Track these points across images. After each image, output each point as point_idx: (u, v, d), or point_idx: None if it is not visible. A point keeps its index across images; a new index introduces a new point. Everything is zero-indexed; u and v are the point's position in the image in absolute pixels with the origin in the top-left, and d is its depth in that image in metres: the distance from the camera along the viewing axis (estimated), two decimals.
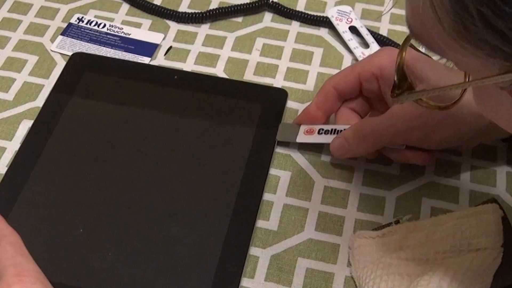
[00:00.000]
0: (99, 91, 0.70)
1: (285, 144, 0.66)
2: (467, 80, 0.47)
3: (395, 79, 0.49)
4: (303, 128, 0.66)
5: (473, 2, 0.33)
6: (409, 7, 0.39)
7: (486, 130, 0.60)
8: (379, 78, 0.62)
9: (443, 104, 0.51)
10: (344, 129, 0.63)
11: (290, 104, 0.70)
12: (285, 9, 0.79)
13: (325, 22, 0.78)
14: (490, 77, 0.36)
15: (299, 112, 0.69)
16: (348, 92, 0.65)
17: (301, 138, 0.65)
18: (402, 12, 0.49)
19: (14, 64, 0.74)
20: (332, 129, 0.64)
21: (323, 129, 0.65)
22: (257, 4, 0.79)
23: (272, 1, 0.79)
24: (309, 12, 0.79)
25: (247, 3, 0.79)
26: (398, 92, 0.49)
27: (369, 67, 0.63)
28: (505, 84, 0.36)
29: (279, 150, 0.66)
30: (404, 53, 0.50)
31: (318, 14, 0.79)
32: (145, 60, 0.75)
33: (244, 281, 0.57)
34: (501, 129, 0.43)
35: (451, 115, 0.57)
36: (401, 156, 0.63)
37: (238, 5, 0.79)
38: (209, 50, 0.76)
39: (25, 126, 0.68)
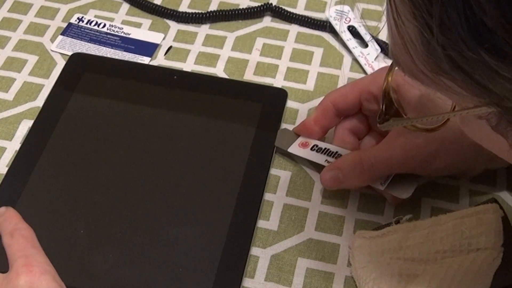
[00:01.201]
0: (99, 91, 0.70)
1: (283, 150, 0.66)
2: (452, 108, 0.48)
3: (382, 106, 0.51)
4: (299, 139, 0.66)
5: (440, 46, 0.34)
6: (390, 40, 0.40)
7: (485, 158, 0.60)
8: (379, 99, 0.62)
9: (430, 126, 0.52)
10: (337, 152, 0.63)
11: (290, 104, 0.70)
12: (286, 13, 0.79)
13: (325, 26, 0.78)
14: (467, 109, 0.38)
15: (299, 113, 0.70)
16: (347, 110, 0.64)
17: (294, 149, 0.65)
18: None
19: (14, 64, 0.74)
20: (325, 149, 0.64)
21: (317, 146, 0.65)
22: (260, 8, 0.78)
23: (276, 6, 0.79)
24: (309, 15, 0.78)
25: (249, 7, 0.79)
26: (385, 118, 0.50)
27: (371, 87, 0.62)
28: (482, 114, 0.38)
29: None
30: (390, 79, 0.51)
31: (318, 16, 0.79)
32: (145, 60, 0.75)
33: (244, 281, 0.57)
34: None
35: (448, 144, 0.57)
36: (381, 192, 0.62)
37: (240, 9, 0.78)
38: (209, 50, 0.76)
39: (25, 126, 0.68)
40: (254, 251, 0.59)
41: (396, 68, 0.43)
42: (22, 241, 0.49)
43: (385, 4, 0.38)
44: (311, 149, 0.65)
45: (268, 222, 0.61)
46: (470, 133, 0.44)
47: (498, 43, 0.32)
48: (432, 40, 0.34)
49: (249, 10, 0.79)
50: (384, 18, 0.39)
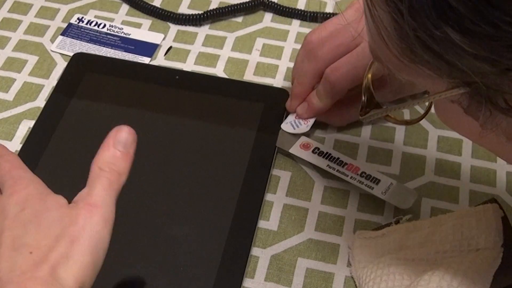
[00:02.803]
0: (100, 91, 0.71)
1: (284, 150, 0.66)
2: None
3: (364, 99, 0.53)
4: (300, 140, 0.66)
5: (411, 29, 0.36)
6: (368, 33, 0.42)
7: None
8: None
9: (410, 119, 0.56)
10: (339, 158, 0.64)
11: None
12: (282, 8, 0.79)
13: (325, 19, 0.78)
14: (440, 93, 0.40)
15: None
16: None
17: (295, 150, 0.65)
18: None
19: (14, 64, 0.74)
20: (327, 153, 0.64)
21: (318, 149, 0.65)
22: (252, 3, 0.79)
23: (268, 0, 0.79)
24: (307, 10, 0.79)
25: (243, 2, 0.79)
26: (366, 110, 0.53)
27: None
28: (454, 97, 0.40)
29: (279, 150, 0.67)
30: (369, 75, 0.54)
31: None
32: (145, 60, 0.75)
33: (244, 281, 0.57)
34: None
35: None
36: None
37: (234, 4, 0.79)
38: (209, 50, 0.76)
39: (25, 126, 0.68)
40: (254, 251, 0.59)
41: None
42: (6, 165, 0.51)
43: None
44: (313, 151, 0.65)
45: (268, 222, 0.61)
46: (445, 119, 0.45)
47: (461, 20, 0.34)
48: (403, 24, 0.36)
49: (244, 5, 0.79)
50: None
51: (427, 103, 0.54)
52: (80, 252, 0.46)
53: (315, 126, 0.67)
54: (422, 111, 0.69)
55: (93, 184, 0.49)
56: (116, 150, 0.51)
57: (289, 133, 0.66)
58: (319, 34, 0.64)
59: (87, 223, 0.47)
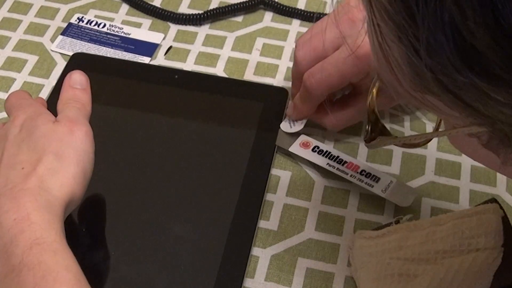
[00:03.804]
0: (99, 91, 0.70)
1: (283, 149, 0.66)
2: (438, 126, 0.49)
3: (368, 125, 0.50)
4: (300, 138, 0.66)
5: (429, 70, 0.33)
6: (374, 58, 0.38)
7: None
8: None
9: (416, 142, 0.52)
10: (339, 156, 0.64)
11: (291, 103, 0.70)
12: (283, 7, 0.79)
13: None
14: (457, 129, 0.38)
15: None
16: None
17: (295, 148, 0.65)
18: None
19: (14, 64, 0.74)
20: (327, 151, 0.64)
21: (318, 147, 0.65)
22: (252, 2, 0.79)
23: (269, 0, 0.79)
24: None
25: (243, 1, 0.79)
26: (371, 136, 0.50)
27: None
28: (472, 133, 0.37)
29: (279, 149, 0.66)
30: (374, 95, 0.50)
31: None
32: (145, 60, 0.75)
33: (245, 281, 0.57)
34: None
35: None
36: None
37: (234, 4, 0.79)
38: (209, 50, 0.76)
39: None
40: (254, 251, 0.59)
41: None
42: (13, 98, 0.57)
43: (365, 23, 0.37)
44: (313, 150, 0.65)
45: (268, 222, 0.61)
46: (460, 148, 0.43)
47: (488, 66, 0.31)
48: (419, 63, 0.33)
49: (242, 5, 0.79)
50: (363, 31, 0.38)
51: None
52: (66, 164, 0.51)
53: (314, 124, 0.67)
54: (423, 116, 0.69)
55: (63, 111, 0.55)
56: (75, 88, 0.57)
57: (286, 132, 0.66)
58: (304, 36, 0.64)
59: (70, 138, 0.52)
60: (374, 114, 0.50)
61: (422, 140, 0.53)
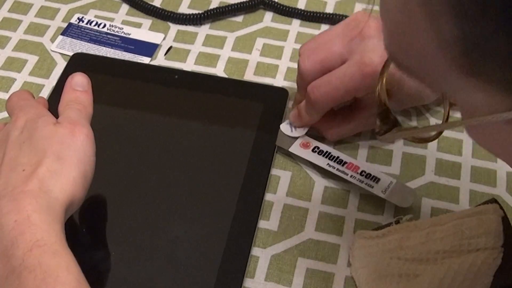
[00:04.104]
0: (100, 91, 0.70)
1: (284, 149, 0.66)
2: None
3: (378, 120, 0.49)
4: (300, 139, 0.66)
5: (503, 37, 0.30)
6: (396, 40, 0.35)
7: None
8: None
9: (426, 136, 0.51)
10: (338, 157, 0.64)
11: (291, 104, 0.70)
12: (283, 7, 0.79)
13: (326, 18, 0.78)
14: (496, 114, 0.33)
15: None
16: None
17: (295, 149, 0.65)
18: None
19: (14, 64, 0.74)
20: (327, 152, 0.64)
21: (318, 148, 0.65)
22: (252, 2, 0.79)
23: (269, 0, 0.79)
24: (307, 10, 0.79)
25: (243, 1, 0.79)
26: (385, 129, 0.48)
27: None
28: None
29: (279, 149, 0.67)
30: (382, 83, 0.49)
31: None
32: (145, 60, 0.75)
33: (245, 281, 0.57)
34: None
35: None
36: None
37: (234, 4, 0.79)
38: (209, 50, 0.76)
39: None
40: (254, 251, 0.59)
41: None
42: (15, 98, 0.58)
43: (374, 40, 0.35)
44: (313, 150, 0.65)
45: (268, 222, 0.61)
46: (486, 142, 0.38)
47: None
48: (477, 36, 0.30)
49: (242, 5, 0.79)
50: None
51: (445, 113, 0.48)
52: (67, 166, 0.51)
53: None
54: (429, 116, 0.69)
55: (64, 112, 0.55)
56: (76, 90, 0.57)
57: (286, 134, 0.66)
58: (309, 45, 0.63)
59: (71, 140, 0.52)
60: (384, 106, 0.49)
61: (435, 133, 0.53)
